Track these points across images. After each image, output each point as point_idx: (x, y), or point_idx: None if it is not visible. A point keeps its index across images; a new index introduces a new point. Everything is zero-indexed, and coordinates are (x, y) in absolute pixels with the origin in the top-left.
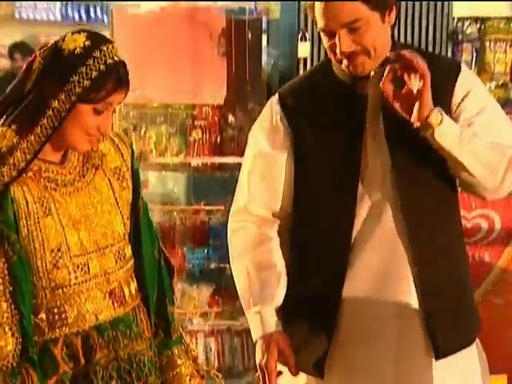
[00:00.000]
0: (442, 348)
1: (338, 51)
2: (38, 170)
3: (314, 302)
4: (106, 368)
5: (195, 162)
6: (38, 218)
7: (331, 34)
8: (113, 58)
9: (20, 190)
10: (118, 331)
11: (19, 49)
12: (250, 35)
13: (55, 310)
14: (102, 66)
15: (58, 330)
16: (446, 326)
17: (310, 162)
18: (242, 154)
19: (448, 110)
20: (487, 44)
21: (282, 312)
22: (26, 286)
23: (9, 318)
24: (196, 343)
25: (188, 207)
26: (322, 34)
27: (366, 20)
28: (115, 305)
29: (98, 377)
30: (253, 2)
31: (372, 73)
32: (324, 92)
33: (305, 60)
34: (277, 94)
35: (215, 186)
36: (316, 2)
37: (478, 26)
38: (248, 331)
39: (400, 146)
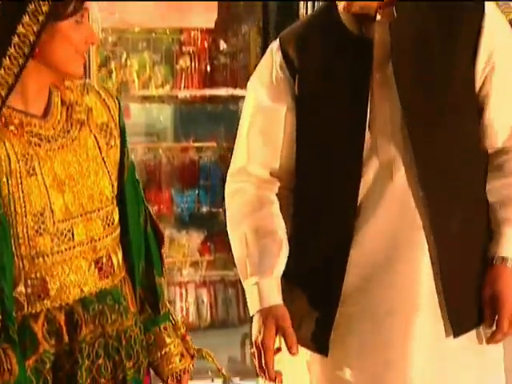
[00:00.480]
0: (461, 323)
1: None
2: (20, 124)
3: (317, 271)
4: (92, 345)
5: (183, 94)
6: (20, 177)
7: None
8: None
9: (2, 147)
10: (105, 305)
11: None
12: None
13: (35, 282)
14: None
15: (38, 304)
16: (465, 298)
17: (313, 115)
18: (235, 85)
19: (471, 60)
20: None
21: (282, 282)
22: (8, 257)
23: None
24: (186, 295)
25: (175, 144)
26: None
27: None
28: (102, 275)
29: (84, 355)
30: None
31: (378, 16)
32: (328, 37)
33: None
34: (277, 40)
35: (206, 120)
36: None
37: None
38: None
39: (412, 92)
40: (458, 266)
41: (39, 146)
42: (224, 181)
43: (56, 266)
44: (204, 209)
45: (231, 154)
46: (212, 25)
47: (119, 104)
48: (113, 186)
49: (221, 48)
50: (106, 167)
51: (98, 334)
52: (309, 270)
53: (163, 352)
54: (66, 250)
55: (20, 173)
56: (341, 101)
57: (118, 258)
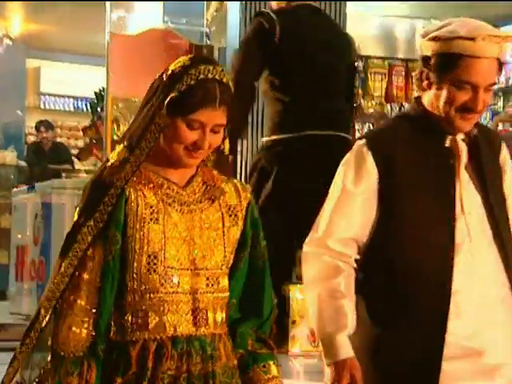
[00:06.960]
0: None
1: (471, 105)
2: (160, 185)
3: (415, 346)
4: (177, 378)
5: None
6: (144, 222)
7: (471, 89)
8: (206, 75)
9: (135, 194)
10: (192, 348)
11: (43, 124)
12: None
13: (140, 314)
14: (192, 82)
15: (139, 333)
16: None
17: (403, 205)
18: None
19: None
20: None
21: (377, 353)
22: (110, 288)
23: (87, 311)
24: None
25: None
26: (446, 84)
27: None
28: (195, 324)
29: (165, 382)
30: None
31: (461, 135)
32: (415, 139)
33: None
34: (364, 140)
35: None
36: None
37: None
38: None
39: (492, 195)
40: None
41: (169, 205)
42: None
43: (159, 304)
44: None
45: None
46: None
47: (251, 198)
48: (225, 256)
49: None
50: (224, 239)
51: (184, 370)
52: (404, 346)
53: None
54: (170, 293)
55: (145, 218)
56: (431, 193)
57: (215, 316)
